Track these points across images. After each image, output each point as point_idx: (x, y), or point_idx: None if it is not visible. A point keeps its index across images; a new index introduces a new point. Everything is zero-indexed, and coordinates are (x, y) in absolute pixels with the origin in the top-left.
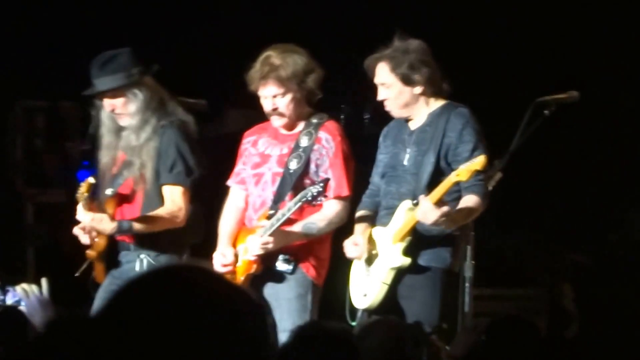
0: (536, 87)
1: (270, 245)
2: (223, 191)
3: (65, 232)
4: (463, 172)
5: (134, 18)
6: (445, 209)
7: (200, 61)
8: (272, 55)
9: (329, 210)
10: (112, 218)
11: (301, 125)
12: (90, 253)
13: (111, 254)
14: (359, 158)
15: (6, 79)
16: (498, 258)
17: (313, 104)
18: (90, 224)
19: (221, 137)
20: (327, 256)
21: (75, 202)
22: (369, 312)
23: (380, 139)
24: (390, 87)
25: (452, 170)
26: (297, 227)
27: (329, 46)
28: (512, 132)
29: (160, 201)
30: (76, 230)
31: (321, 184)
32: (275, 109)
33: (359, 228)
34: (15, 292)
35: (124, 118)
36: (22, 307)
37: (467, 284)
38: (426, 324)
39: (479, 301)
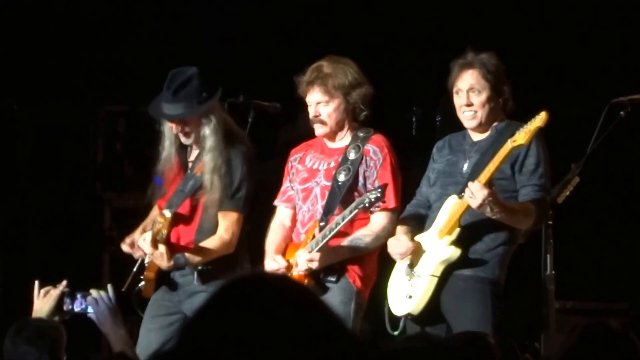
0: (611, 88)
1: (315, 264)
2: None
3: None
4: (521, 135)
5: (210, 22)
6: (493, 189)
7: (274, 64)
8: (323, 65)
9: (376, 224)
10: (169, 240)
11: (347, 139)
12: (149, 275)
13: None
14: (428, 159)
15: (90, 84)
16: (580, 269)
17: (359, 120)
18: (150, 257)
19: (294, 140)
20: (373, 273)
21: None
22: (412, 318)
23: (434, 150)
24: (481, 92)
25: (515, 181)
26: (344, 243)
27: (404, 49)
28: (588, 135)
29: (214, 225)
30: (125, 249)
31: (379, 190)
32: (317, 116)
33: (401, 229)
34: (83, 299)
35: (190, 137)
36: (91, 315)
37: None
38: None
39: (560, 314)
